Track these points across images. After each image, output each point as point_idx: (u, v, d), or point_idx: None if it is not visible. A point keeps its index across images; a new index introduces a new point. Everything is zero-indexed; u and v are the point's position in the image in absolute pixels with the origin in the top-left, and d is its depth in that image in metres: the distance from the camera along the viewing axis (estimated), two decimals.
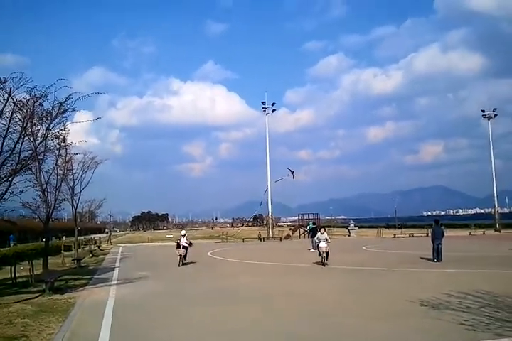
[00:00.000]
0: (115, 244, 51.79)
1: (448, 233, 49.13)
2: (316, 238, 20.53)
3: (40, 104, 12.16)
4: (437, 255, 20.72)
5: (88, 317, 10.06)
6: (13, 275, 16.04)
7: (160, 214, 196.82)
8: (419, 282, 14.73)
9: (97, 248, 37.88)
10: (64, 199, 20.53)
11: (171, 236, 63.95)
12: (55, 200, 19.74)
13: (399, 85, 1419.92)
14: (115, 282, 16.35)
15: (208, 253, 30.09)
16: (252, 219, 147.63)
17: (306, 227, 45.05)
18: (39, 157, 12.84)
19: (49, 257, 27.35)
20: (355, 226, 59.78)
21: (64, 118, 13.75)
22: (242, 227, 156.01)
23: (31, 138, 18.29)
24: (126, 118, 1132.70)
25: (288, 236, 53.28)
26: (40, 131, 13.86)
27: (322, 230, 20.83)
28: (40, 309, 10.96)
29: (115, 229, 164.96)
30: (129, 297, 12.88)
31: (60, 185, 20.25)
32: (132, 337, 8.35)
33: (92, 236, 62.53)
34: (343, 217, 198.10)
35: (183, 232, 23.51)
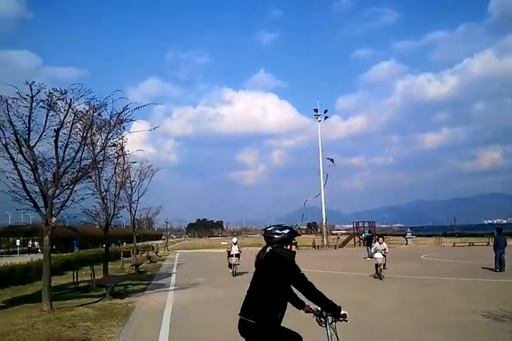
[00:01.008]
0: (172, 250, 52.75)
1: (511, 242, 47.42)
2: (373, 249, 19.26)
3: (99, 114, 12.51)
4: (500, 265, 19.96)
5: (148, 322, 10.24)
6: (75, 280, 16.58)
7: (215, 222, 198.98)
8: (481, 293, 14.13)
9: (154, 254, 38.65)
10: (122, 207, 21.14)
11: (226, 243, 64.28)
12: (114, 207, 20.36)
13: (454, 90, 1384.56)
14: (172, 287, 16.62)
15: None
16: (305, 227, 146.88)
17: (362, 235, 44.30)
18: (98, 165, 13.10)
19: (109, 263, 28.30)
20: (412, 235, 58.41)
21: (122, 128, 14.07)
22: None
23: (91, 148, 19.17)
24: (180, 127, 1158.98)
25: (343, 244, 52.64)
26: (99, 140, 14.21)
27: (380, 239, 19.44)
28: (101, 313, 11.25)
29: (172, 235, 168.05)
30: (187, 302, 13.05)
31: (119, 192, 20.87)
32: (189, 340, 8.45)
33: (150, 242, 63.99)
34: (399, 225, 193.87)
35: (234, 240, 22.05)
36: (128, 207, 28.75)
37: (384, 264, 18.26)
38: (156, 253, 39.21)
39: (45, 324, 9.89)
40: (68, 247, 51.99)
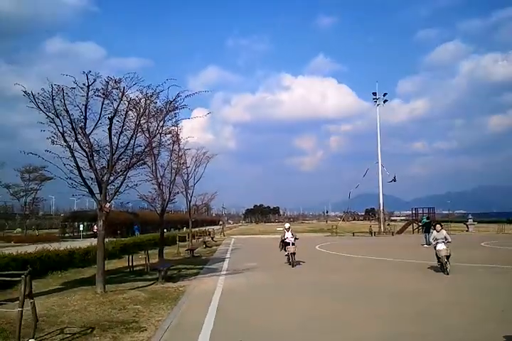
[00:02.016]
0: (228, 235, 53.38)
1: None
2: (432, 238, 16.29)
3: (152, 102, 12.68)
4: None
5: (196, 306, 10.42)
6: (130, 264, 17.08)
7: (272, 208, 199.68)
8: None
9: (210, 239, 39.28)
10: (178, 192, 21.49)
11: (281, 228, 64.59)
12: (170, 193, 20.76)
13: None
14: (224, 272, 16.82)
15: (316, 247, 30.00)
16: (363, 213, 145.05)
17: (420, 222, 43.23)
18: (154, 152, 13.32)
19: (165, 247, 28.94)
20: (473, 221, 56.45)
21: (175, 115, 14.24)
22: (353, 221, 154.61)
23: (146, 135, 19.61)
24: (239, 114, 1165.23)
25: (401, 231, 51.61)
26: (153, 127, 14.46)
27: (438, 227, 16.46)
28: (152, 296, 11.56)
29: (229, 221, 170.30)
30: (236, 287, 13.20)
31: (175, 178, 21.22)
32: (234, 324, 8.52)
33: (207, 227, 65.05)
34: (462, 211, 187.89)
35: (287, 225, 20.23)
36: (184, 193, 29.38)
37: (448, 256, 15.37)
38: (212, 239, 39.73)
39: (97, 306, 10.26)
40: (130, 232, 53.62)
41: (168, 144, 20.67)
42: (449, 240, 15.87)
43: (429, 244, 29.02)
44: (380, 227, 52.95)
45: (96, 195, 12.35)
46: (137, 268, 17.29)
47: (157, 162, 20.25)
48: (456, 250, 25.82)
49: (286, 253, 18.63)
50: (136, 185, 12.90)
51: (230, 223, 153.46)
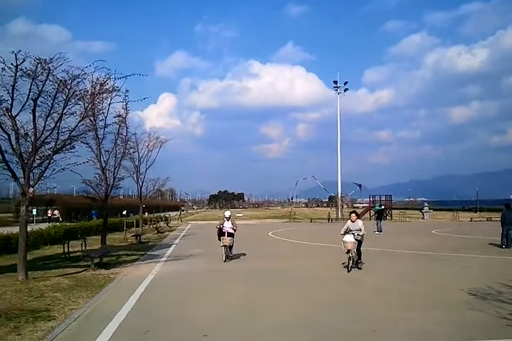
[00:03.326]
0: (186, 221, 52.92)
1: None
2: (344, 229, 13.80)
3: (78, 83, 12.06)
4: (506, 241, 19.41)
5: (118, 294, 10.06)
6: (66, 250, 16.60)
7: (236, 194, 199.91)
8: (479, 269, 13.72)
9: (165, 225, 38.83)
10: (123, 178, 20.93)
11: (241, 214, 64.72)
12: (114, 178, 20.25)
13: (485, 63, 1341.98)
14: (165, 259, 16.48)
15: (269, 233, 29.95)
16: (326, 200, 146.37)
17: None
18: (81, 136, 12.72)
19: (116, 233, 28.53)
20: (429, 209, 57.53)
21: (105, 98, 13.71)
22: (317, 208, 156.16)
23: (92, 119, 19.03)
24: (206, 100, 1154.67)
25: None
26: (81, 110, 13.83)
27: (353, 216, 13.86)
28: (77, 284, 11.16)
29: (194, 207, 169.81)
30: (170, 274, 12.91)
31: (120, 163, 20.66)
32: (150, 314, 8.21)
33: (166, 213, 64.47)
34: (423, 199, 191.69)
35: (227, 214, 16.62)
36: (135, 178, 28.83)
37: (357, 251, 13.58)
38: (167, 224, 39.36)
39: (14, 294, 9.81)
40: (88, 217, 52.65)
41: (116, 129, 20.33)
42: (363, 232, 13.56)
43: (381, 231, 29.73)
44: (337, 214, 53.43)
45: (20, 179, 11.81)
46: (76, 254, 16.80)
47: (101, 146, 19.76)
48: (406, 237, 26.55)
49: (221, 244, 15.81)
50: (64, 169, 12.30)
51: (193, 209, 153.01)
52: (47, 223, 38.87)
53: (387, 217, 52.67)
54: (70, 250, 17.03)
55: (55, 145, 11.72)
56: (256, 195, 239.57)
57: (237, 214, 59.75)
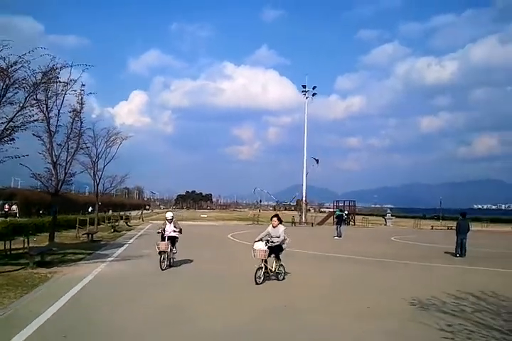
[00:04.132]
0: (147, 220, 52.02)
1: (491, 228, 47.19)
2: (262, 235, 12.01)
3: (16, 71, 11.42)
4: (461, 250, 19.46)
5: (49, 295, 9.49)
6: (7, 247, 15.85)
7: (204, 194, 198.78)
8: (428, 278, 13.65)
9: (124, 223, 38.00)
10: (74, 174, 20.20)
11: (205, 215, 64.24)
12: (65, 174, 19.53)
13: (454, 75, 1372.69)
14: (111, 259, 15.93)
15: (229, 235, 29.55)
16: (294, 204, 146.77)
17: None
18: (19, 126, 11.96)
19: (71, 230, 27.68)
20: (391, 216, 58.00)
21: (47, 88, 13.07)
22: (284, 211, 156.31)
23: (44, 110, 18.35)
24: (178, 99, 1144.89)
25: (321, 222, 52.21)
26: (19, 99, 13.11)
27: (274, 220, 12.06)
28: (7, 282, 10.54)
29: (161, 206, 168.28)
30: (110, 275, 12.36)
31: (72, 158, 19.92)
32: (73, 317, 7.70)
33: (126, 212, 63.40)
34: (390, 206, 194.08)
35: (169, 215, 14.65)
36: (91, 175, 28.13)
37: (278, 264, 11.93)
38: (127, 223, 38.54)
39: None
40: (48, 213, 51.15)
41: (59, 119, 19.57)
42: (281, 240, 11.74)
43: (340, 236, 29.67)
44: (301, 218, 53.39)
45: None
46: (20, 251, 16.05)
47: (53, 140, 19.04)
48: (364, 243, 26.53)
49: (160, 250, 13.67)
50: (1, 162, 11.64)
51: (160, 208, 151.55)
52: (2, 218, 37.76)
53: (350, 223, 52.91)
54: (17, 247, 16.32)
55: None
56: (225, 197, 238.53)
57: (202, 215, 59.44)
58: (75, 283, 10.85)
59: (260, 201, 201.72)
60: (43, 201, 52.02)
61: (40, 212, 50.65)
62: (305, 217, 53.54)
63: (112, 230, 30.12)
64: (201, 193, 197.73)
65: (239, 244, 24.39)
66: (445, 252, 20.97)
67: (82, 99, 20.67)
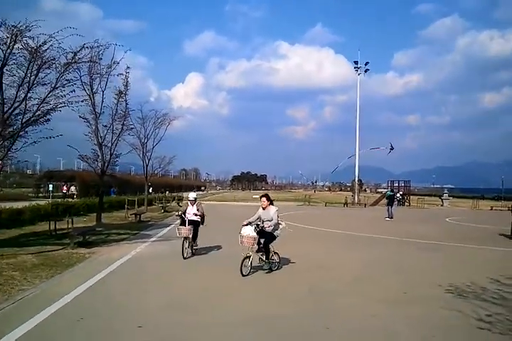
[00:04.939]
0: (200, 201, 52.42)
1: None
2: (254, 217, 10.28)
3: (45, 51, 11.38)
4: None
5: (80, 275, 9.51)
6: (52, 227, 16.23)
7: (258, 175, 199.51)
8: (474, 262, 12.88)
9: (176, 204, 38.50)
10: (120, 155, 20.40)
11: (257, 196, 64.06)
12: (111, 155, 19.76)
13: None
14: (154, 239, 16.08)
15: None
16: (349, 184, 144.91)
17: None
18: (52, 108, 11.94)
19: (122, 211, 28.24)
20: (449, 196, 56.01)
21: (77, 69, 13.01)
22: (340, 192, 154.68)
23: (89, 92, 18.59)
24: (234, 80, 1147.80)
25: (375, 203, 51.13)
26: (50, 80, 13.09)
27: (263, 201, 10.27)
28: (43, 262, 10.71)
29: (217, 187, 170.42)
30: (149, 255, 12.38)
31: (118, 139, 20.12)
32: (97, 299, 7.66)
33: (183, 193, 64.32)
34: (449, 186, 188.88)
35: (191, 196, 13.41)
36: (140, 156, 28.50)
37: (266, 249, 10.20)
38: (178, 204, 39.02)
39: None
40: (107, 194, 52.95)
41: (114, 104, 19.82)
42: (273, 223, 10.03)
43: (392, 217, 28.84)
44: (353, 199, 52.49)
45: None
46: (65, 231, 16.42)
47: (99, 121, 19.29)
48: (417, 224, 25.66)
49: (182, 235, 12.33)
50: (36, 142, 11.75)
51: (216, 189, 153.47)
52: (61, 199, 39.12)
53: (405, 203, 51.54)
54: (63, 227, 16.73)
55: (23, 117, 11.14)
56: (280, 177, 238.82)
57: (254, 196, 59.32)
58: (111, 262, 10.95)
59: (316, 181, 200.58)
60: (100, 183, 53.67)
61: (99, 193, 52.10)
62: (358, 198, 52.62)
63: (162, 211, 30.52)
64: (256, 174, 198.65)
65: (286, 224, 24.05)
66: (500, 234, 19.92)
67: (127, 80, 20.93)
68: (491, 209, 46.20)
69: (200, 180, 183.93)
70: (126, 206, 26.56)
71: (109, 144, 19.70)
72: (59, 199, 26.86)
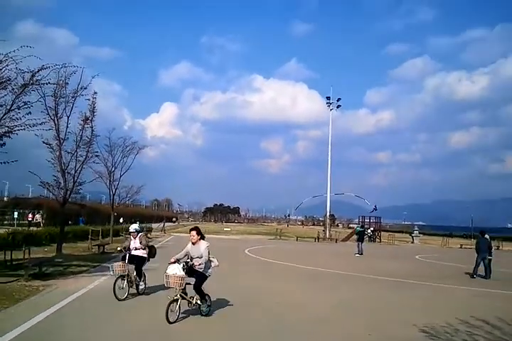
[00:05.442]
0: (169, 233, 51.73)
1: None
2: (181, 254, 9.00)
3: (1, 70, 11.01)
4: (485, 271, 18.38)
5: (28, 310, 8.93)
6: (8, 257, 15.47)
7: (232, 207, 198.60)
8: (442, 301, 12.63)
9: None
10: (83, 182, 19.83)
11: (229, 229, 63.66)
12: (74, 182, 19.22)
13: (485, 90, 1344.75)
14: (113, 273, 15.39)
15: (246, 250, 28.80)
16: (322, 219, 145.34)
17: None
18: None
19: (86, 241, 27.38)
20: (419, 233, 56.24)
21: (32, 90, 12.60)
22: (312, 226, 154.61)
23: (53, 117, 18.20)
24: (208, 112, 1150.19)
25: (346, 239, 50.98)
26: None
27: (193, 235, 8.95)
28: None
29: (189, 218, 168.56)
30: (105, 290, 11.73)
31: (81, 167, 19.60)
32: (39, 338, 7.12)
33: (152, 224, 63.39)
34: (420, 223, 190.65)
35: (132, 227, 11.57)
36: (107, 184, 27.93)
37: (199, 294, 8.87)
38: (147, 235, 38.06)
39: None
40: (76, 223, 51.80)
41: (80, 130, 19.39)
42: (203, 260, 8.79)
43: (361, 254, 28.63)
44: (325, 234, 52.32)
45: None
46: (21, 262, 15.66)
47: (62, 147, 18.82)
48: (386, 261, 25.46)
49: (116, 272, 10.71)
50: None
51: (188, 221, 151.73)
52: (25, 227, 37.88)
53: (376, 240, 51.54)
54: (20, 257, 15.96)
55: None
56: (254, 210, 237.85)
57: (225, 229, 58.83)
58: (64, 297, 10.32)
59: (289, 215, 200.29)
60: (71, 212, 52.53)
61: (70, 222, 51.01)
62: (329, 233, 52.45)
63: None
64: (229, 206, 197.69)
65: (252, 258, 23.71)
66: (465, 273, 19.84)
67: (94, 106, 20.49)
68: (461, 248, 46.45)
69: (172, 211, 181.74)
70: (89, 236, 25.72)
71: (73, 171, 19.20)
72: (20, 228, 25.87)
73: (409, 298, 13.09)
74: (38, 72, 11.70)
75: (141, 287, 11.14)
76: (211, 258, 9.05)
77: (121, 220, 61.25)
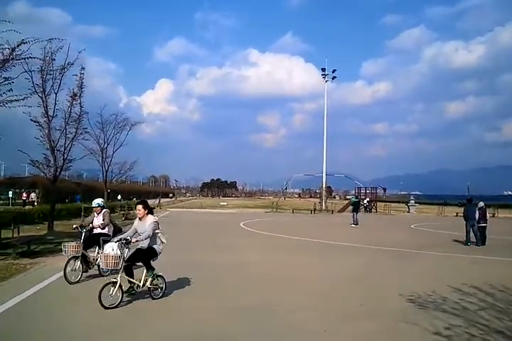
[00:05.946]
0: (165, 208, 51.69)
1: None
2: (130, 232, 8.08)
3: None
4: (477, 238, 18.39)
5: (12, 289, 8.77)
6: None
7: (229, 182, 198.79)
8: (434, 269, 12.57)
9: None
10: (73, 159, 19.54)
11: (225, 203, 63.68)
12: (64, 160, 18.94)
13: (482, 59, 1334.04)
14: None
15: (241, 223, 28.75)
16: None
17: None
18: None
19: (78, 218, 27.25)
20: (415, 203, 56.33)
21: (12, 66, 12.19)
22: (309, 198, 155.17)
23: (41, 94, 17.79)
24: (204, 87, 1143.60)
25: (342, 210, 51.11)
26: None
27: (139, 210, 8.29)
28: None
29: (187, 194, 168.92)
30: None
31: (71, 144, 19.27)
32: (21, 319, 6.95)
33: (149, 200, 63.35)
34: (417, 192, 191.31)
35: (95, 202, 10.37)
36: (100, 161, 27.69)
37: (151, 275, 8.02)
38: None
39: None
40: (73, 200, 52.04)
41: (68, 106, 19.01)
42: (146, 236, 7.87)
43: (357, 224, 28.65)
44: (321, 205, 52.45)
45: None
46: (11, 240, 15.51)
47: (51, 125, 18.47)
48: (380, 231, 25.46)
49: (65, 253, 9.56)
50: None
51: (186, 196, 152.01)
52: (20, 206, 37.75)
53: (372, 210, 51.67)
54: (9, 236, 15.80)
55: None
56: (251, 184, 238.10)
57: (221, 203, 58.81)
58: (49, 275, 10.15)
59: (286, 188, 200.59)
60: (68, 190, 52.50)
61: (66, 200, 50.98)
62: (325, 205, 52.55)
63: (123, 218, 29.62)
64: (226, 181, 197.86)
65: (247, 231, 23.67)
66: (454, 240, 19.92)
67: (82, 82, 20.03)
68: (456, 216, 46.53)
69: (169, 186, 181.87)
70: (82, 213, 25.60)
71: (62, 148, 18.89)
72: (13, 207, 25.69)
73: (399, 267, 13.01)
74: (18, 46, 11.30)
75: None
76: (160, 233, 8.27)
77: (118, 197, 61.51)
